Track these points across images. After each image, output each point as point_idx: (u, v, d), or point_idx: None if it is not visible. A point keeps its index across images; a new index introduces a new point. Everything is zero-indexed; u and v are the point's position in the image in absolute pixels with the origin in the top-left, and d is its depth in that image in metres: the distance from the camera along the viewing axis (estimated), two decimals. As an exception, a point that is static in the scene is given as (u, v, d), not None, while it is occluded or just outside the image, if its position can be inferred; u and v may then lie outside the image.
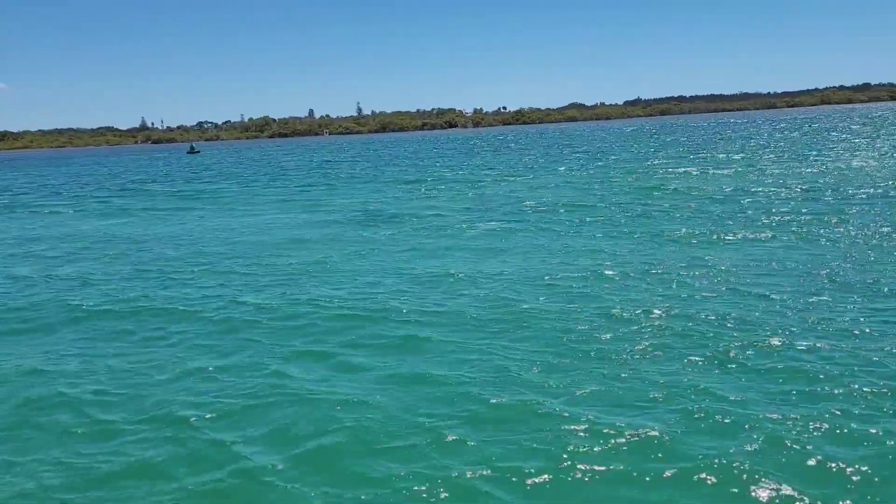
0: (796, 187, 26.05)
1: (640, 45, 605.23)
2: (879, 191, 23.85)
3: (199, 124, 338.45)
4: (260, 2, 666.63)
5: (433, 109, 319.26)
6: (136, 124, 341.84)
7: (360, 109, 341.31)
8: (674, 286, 12.55)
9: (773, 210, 20.99)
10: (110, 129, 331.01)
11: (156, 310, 12.93)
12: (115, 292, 14.54)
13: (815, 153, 43.33)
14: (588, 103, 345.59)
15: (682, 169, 37.30)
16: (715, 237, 17.17)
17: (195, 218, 27.99)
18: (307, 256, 17.63)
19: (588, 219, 21.42)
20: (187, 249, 19.89)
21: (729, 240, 16.75)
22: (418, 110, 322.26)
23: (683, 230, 18.27)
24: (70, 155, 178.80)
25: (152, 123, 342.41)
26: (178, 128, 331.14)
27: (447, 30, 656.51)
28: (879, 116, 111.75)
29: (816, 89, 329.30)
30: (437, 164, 56.65)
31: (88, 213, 32.41)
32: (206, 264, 17.28)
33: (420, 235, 20.33)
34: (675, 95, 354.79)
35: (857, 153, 41.05)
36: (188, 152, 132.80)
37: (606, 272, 13.87)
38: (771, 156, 43.63)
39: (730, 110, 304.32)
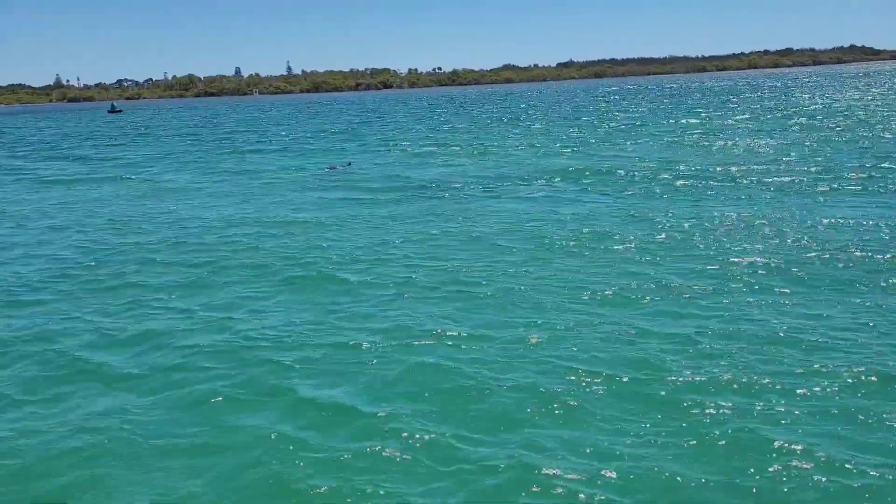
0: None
1: (570, 7, 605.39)
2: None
3: (119, 82, 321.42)
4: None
5: (367, 69, 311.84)
6: (51, 81, 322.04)
7: (290, 69, 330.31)
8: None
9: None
10: (22, 87, 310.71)
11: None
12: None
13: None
14: (521, 65, 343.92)
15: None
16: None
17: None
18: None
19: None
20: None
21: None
22: (352, 70, 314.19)
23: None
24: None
25: (68, 81, 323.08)
26: (97, 85, 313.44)
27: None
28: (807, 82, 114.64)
29: (743, 53, 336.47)
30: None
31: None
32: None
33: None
34: (608, 58, 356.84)
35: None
36: (109, 111, 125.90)
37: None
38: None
39: (662, 73, 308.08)
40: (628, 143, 31.61)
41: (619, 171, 22.10)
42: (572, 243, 13.05)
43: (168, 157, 34.72)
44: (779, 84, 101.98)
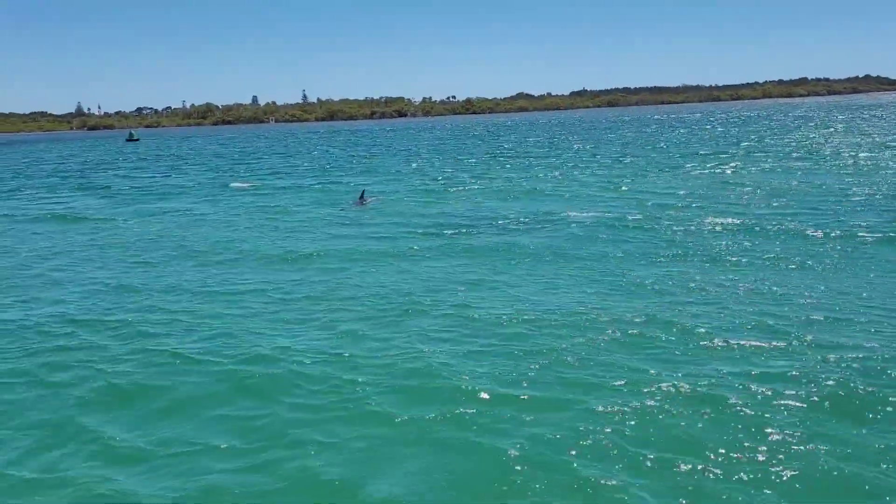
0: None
1: (582, 36, 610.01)
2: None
3: (139, 110, 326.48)
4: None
5: (382, 98, 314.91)
6: (72, 109, 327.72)
7: (305, 97, 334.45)
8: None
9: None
10: (44, 115, 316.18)
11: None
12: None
13: None
14: (535, 93, 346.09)
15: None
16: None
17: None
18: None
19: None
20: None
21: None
22: (367, 98, 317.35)
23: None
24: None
25: (88, 109, 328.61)
26: (117, 113, 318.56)
27: (393, 16, 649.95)
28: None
29: (757, 83, 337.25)
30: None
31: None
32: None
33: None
34: (621, 87, 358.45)
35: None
36: (127, 139, 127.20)
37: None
38: None
39: (676, 102, 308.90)
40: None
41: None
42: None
43: (189, 189, 34.86)
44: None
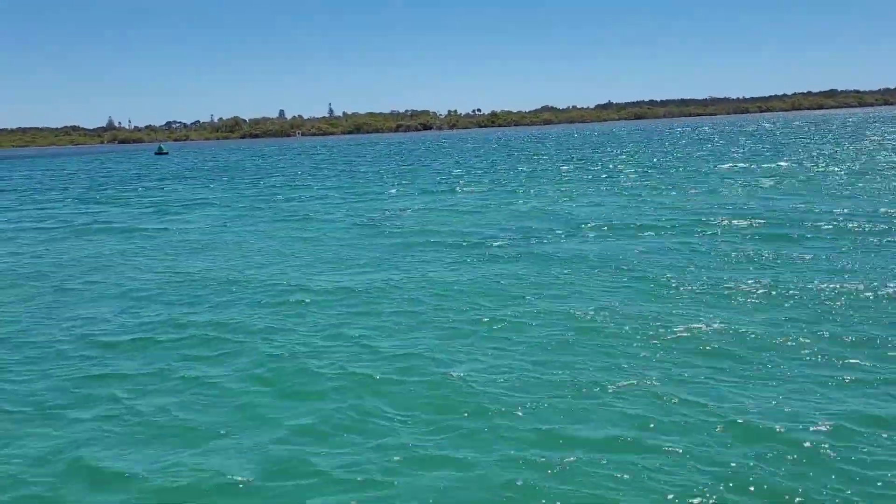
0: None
1: (608, 49, 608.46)
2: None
3: (168, 124, 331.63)
4: (229, 1, 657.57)
5: (407, 111, 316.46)
6: (103, 123, 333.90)
7: (331, 110, 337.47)
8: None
9: None
10: (76, 129, 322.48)
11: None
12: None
13: None
14: (559, 106, 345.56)
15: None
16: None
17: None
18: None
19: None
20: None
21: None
22: (392, 111, 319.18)
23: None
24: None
25: (119, 123, 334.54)
26: (147, 127, 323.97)
27: (418, 30, 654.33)
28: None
29: (786, 95, 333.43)
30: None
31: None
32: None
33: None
34: (646, 100, 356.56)
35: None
36: (156, 153, 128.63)
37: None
38: None
39: (703, 115, 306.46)
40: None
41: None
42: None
43: (211, 200, 34.70)
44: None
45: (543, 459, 6.73)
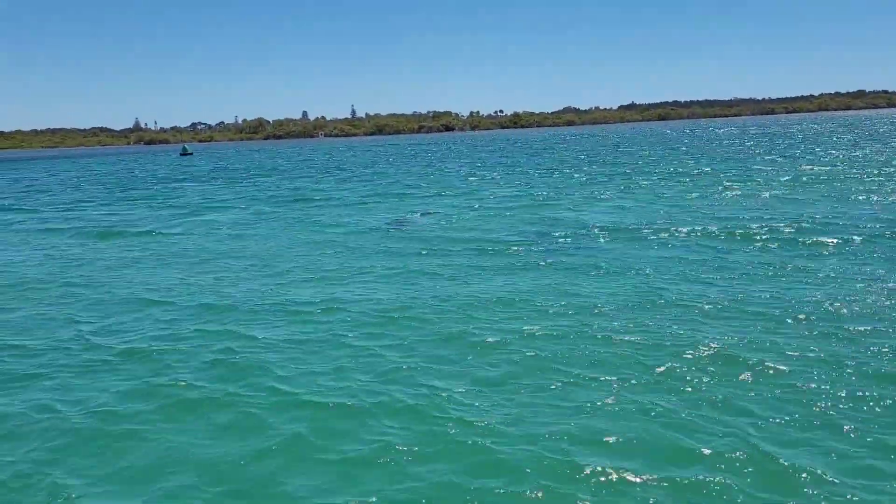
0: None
1: (631, 50, 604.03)
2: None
3: (193, 125, 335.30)
4: (254, 2, 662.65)
5: (429, 112, 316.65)
6: (130, 124, 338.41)
7: (354, 112, 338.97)
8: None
9: None
10: (103, 130, 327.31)
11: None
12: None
13: None
14: (582, 107, 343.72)
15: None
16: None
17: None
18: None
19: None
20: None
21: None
22: (414, 113, 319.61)
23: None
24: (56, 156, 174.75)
25: (145, 124, 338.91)
26: (172, 128, 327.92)
27: (442, 31, 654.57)
28: None
29: (812, 95, 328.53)
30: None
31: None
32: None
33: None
34: (670, 101, 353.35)
35: None
36: (181, 154, 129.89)
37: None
38: None
39: (728, 116, 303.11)
40: None
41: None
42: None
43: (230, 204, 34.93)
44: None
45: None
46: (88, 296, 14.47)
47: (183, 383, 9.14)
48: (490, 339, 10.18)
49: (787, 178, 32.04)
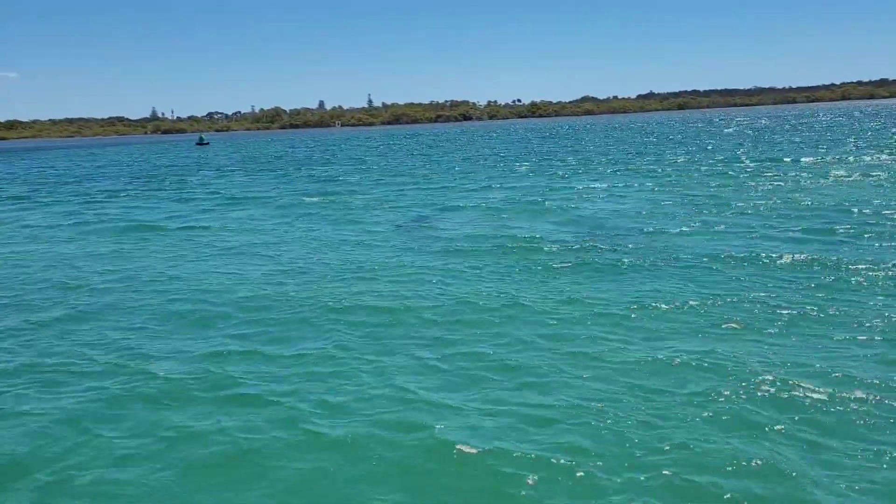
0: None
1: (650, 39, 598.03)
2: None
3: (210, 115, 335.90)
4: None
5: (447, 101, 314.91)
6: (147, 114, 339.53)
7: (370, 101, 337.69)
8: None
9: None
10: (120, 119, 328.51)
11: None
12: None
13: None
14: (600, 97, 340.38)
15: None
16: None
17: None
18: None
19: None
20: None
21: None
22: (431, 102, 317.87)
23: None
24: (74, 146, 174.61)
25: (162, 113, 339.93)
26: (189, 118, 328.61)
27: (458, 20, 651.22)
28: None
29: (834, 84, 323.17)
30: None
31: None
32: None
33: None
34: (689, 90, 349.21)
35: None
36: (197, 143, 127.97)
37: None
38: None
39: (748, 105, 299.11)
40: None
41: None
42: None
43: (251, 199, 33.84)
44: None
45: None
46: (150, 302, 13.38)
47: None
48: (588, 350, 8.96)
49: None
